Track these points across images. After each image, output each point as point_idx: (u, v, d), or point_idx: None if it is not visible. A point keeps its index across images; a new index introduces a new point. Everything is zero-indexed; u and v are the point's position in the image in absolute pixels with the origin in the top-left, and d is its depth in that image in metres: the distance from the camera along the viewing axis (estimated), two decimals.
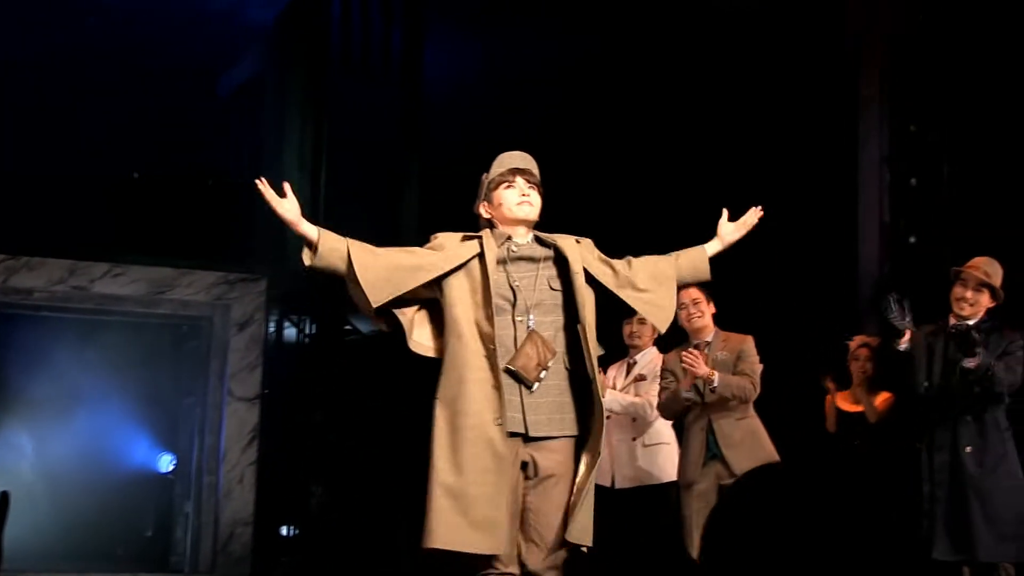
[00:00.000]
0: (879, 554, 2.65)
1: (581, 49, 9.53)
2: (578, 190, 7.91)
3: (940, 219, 8.02)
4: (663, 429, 6.34)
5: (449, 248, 3.94)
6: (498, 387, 3.78)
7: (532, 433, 3.88)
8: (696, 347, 5.89)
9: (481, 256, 3.91)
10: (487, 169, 4.17)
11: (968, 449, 5.66)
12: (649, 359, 6.43)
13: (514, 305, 3.90)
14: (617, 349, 6.33)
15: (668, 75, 9.32)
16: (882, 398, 6.77)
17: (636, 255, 4.40)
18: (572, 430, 3.92)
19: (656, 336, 6.23)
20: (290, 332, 9.69)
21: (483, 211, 4.10)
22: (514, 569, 3.81)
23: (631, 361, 6.55)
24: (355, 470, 9.13)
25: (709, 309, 5.98)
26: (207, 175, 9.55)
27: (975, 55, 7.92)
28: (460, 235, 4.03)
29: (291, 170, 9.22)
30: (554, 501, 3.80)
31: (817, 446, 6.75)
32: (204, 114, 9.85)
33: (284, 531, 9.40)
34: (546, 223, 4.13)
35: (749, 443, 5.78)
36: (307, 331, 9.65)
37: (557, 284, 3.95)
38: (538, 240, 4.04)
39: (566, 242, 4.03)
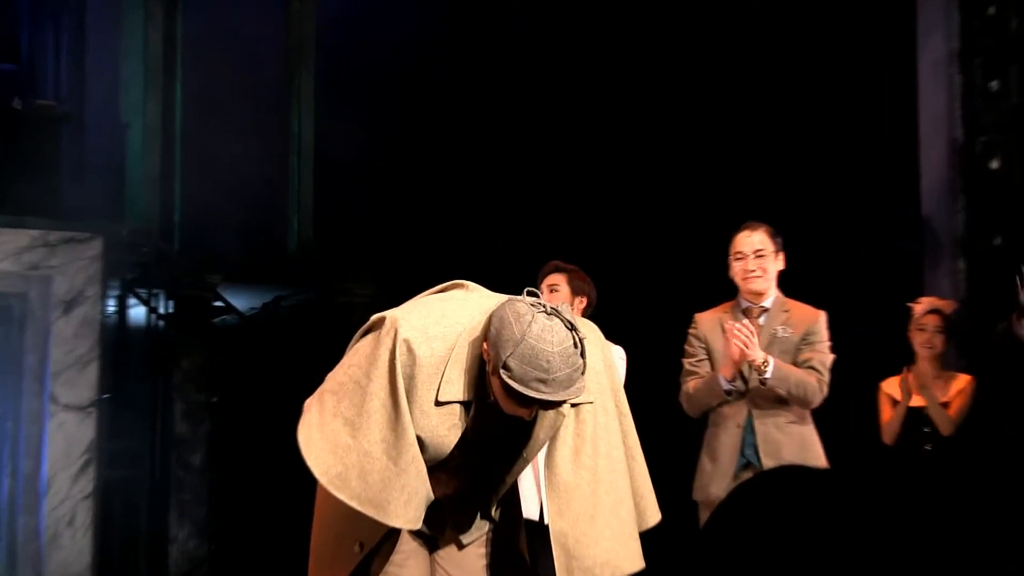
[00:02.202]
0: None
1: None
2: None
3: None
4: None
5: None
6: None
7: None
8: (745, 313, 5.30)
9: None
10: None
11: None
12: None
13: None
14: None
15: None
16: (957, 387, 6.04)
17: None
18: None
19: (584, 310, 5.41)
20: (137, 312, 8.63)
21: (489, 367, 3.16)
22: None
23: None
24: (237, 505, 8.30)
25: (776, 264, 5.34)
26: (9, 94, 8.12)
27: None
28: (432, 345, 3.21)
29: (132, 87, 8.47)
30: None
31: (871, 451, 6.16)
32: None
33: None
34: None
35: (797, 456, 5.19)
36: (161, 310, 8.57)
37: None
38: None
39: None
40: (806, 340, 5.30)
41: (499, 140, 8.78)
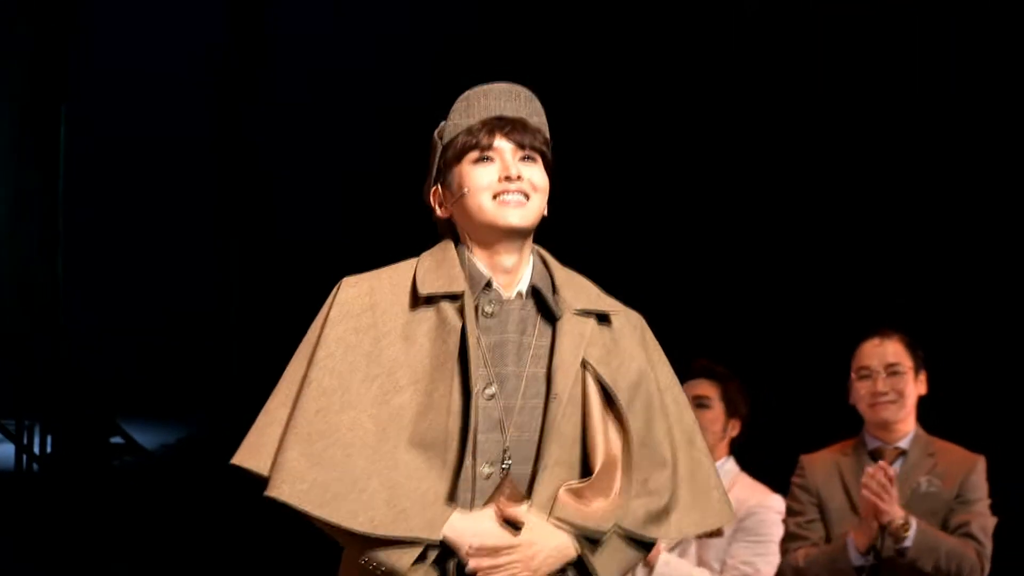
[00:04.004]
0: None
1: None
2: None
3: None
4: None
5: (388, 314, 2.72)
6: None
7: None
8: (873, 456, 4.42)
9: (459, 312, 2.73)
10: (442, 111, 2.93)
11: None
12: (726, 486, 4.33)
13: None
14: None
15: None
16: None
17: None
18: None
19: (736, 437, 4.69)
20: (4, 451, 7.98)
21: (436, 203, 2.76)
22: None
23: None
24: None
25: (915, 389, 4.44)
26: None
27: None
28: (390, 272, 2.76)
29: None
30: None
31: None
32: None
33: None
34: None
35: None
36: (39, 449, 7.98)
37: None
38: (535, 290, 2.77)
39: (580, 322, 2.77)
40: (961, 498, 4.46)
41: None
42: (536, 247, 2.74)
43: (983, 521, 4.42)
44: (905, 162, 7.90)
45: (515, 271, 2.69)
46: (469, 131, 2.72)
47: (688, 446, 2.75)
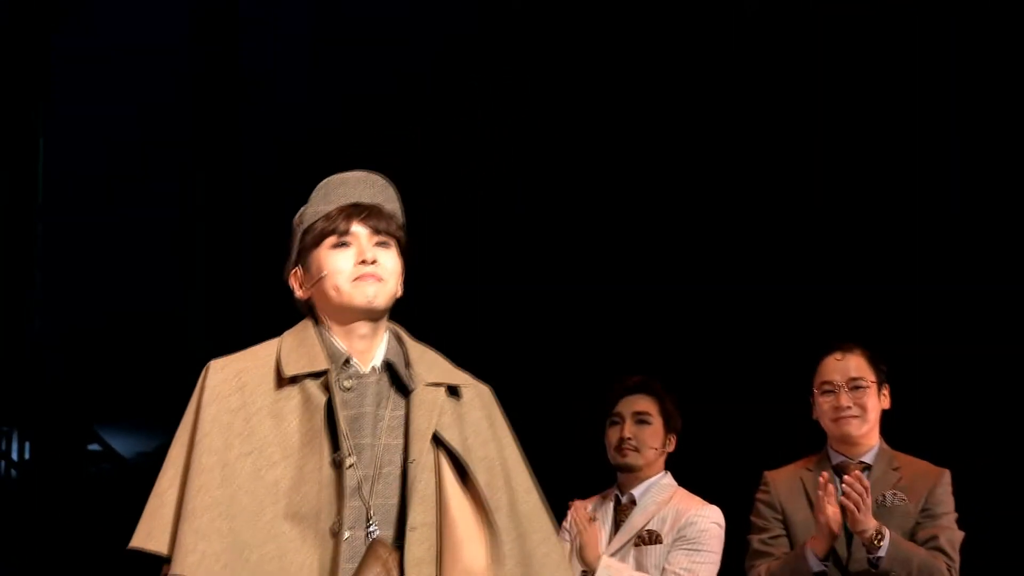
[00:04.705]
0: None
1: None
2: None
3: None
4: None
5: (255, 394, 2.83)
6: None
7: None
8: (838, 471, 4.55)
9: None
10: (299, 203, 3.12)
11: None
12: (664, 498, 4.78)
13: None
14: (593, 471, 5.03)
15: None
16: None
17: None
18: None
19: (669, 451, 4.76)
20: None
21: (296, 285, 2.94)
22: None
23: (622, 498, 4.83)
24: None
25: (878, 403, 4.57)
26: None
27: None
28: (254, 353, 2.90)
29: None
30: None
31: None
32: None
33: None
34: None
35: None
36: (16, 455, 7.83)
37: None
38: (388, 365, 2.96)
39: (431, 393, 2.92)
40: (927, 512, 4.57)
41: None
42: (392, 325, 2.91)
43: (950, 535, 4.51)
44: (904, 162, 7.88)
45: (370, 349, 2.83)
46: (327, 217, 2.87)
47: (531, 523, 2.90)
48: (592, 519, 4.71)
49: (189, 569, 2.62)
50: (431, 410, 2.84)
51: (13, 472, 7.72)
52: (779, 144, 8.11)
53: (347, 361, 2.82)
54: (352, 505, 2.73)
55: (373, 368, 2.83)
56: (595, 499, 4.91)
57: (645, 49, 8.34)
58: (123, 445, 7.88)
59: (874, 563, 4.45)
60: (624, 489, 4.83)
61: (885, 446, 4.68)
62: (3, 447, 7.72)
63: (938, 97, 7.83)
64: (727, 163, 8.15)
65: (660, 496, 4.84)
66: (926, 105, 7.84)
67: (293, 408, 2.77)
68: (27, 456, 7.75)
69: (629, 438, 4.55)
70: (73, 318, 7.91)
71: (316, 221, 2.88)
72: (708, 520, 4.73)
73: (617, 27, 8.44)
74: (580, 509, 4.73)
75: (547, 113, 8.61)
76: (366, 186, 2.96)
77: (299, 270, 2.92)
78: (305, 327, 2.87)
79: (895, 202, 7.80)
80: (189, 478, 2.70)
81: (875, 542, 4.45)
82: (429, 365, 2.89)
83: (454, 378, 2.89)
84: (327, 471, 2.72)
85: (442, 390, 2.85)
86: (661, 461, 4.82)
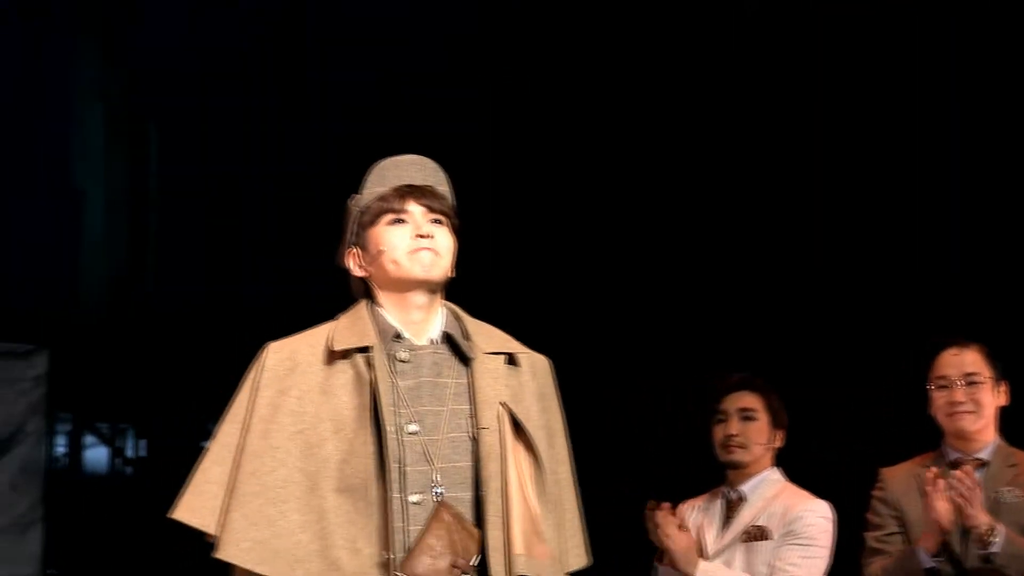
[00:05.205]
0: None
1: None
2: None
3: None
4: None
5: (307, 373, 3.01)
6: None
7: None
8: (953, 467, 4.58)
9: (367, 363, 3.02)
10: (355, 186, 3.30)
11: None
12: (772, 493, 4.79)
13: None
14: (699, 470, 5.09)
15: None
16: None
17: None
18: None
19: (776, 446, 4.79)
20: (96, 455, 8.02)
21: (353, 264, 3.14)
22: None
23: (731, 495, 4.82)
24: None
25: (994, 399, 4.62)
26: None
27: None
28: (309, 334, 3.07)
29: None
30: None
31: None
32: None
33: None
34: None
35: None
36: (130, 452, 8.03)
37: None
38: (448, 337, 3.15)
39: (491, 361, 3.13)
40: None
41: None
42: (447, 303, 3.10)
43: None
44: (904, 163, 8.05)
45: (426, 321, 3.02)
46: (383, 197, 3.11)
47: (562, 492, 3.10)
48: (680, 526, 4.79)
49: (239, 557, 2.82)
50: (495, 377, 3.04)
51: (128, 469, 7.82)
52: (779, 144, 8.26)
53: (398, 335, 3.00)
54: (417, 469, 2.91)
55: (430, 340, 3.00)
56: (704, 497, 5.00)
57: (645, 49, 8.57)
58: None
59: (988, 559, 4.53)
60: (733, 486, 4.94)
61: (1003, 443, 4.74)
62: (119, 443, 7.85)
63: (938, 97, 7.95)
64: (727, 163, 8.32)
65: (768, 492, 4.90)
66: (926, 105, 7.96)
67: (344, 383, 2.93)
68: (143, 453, 7.86)
69: (735, 435, 4.65)
70: (186, 320, 8.01)
71: (372, 202, 3.11)
72: (816, 515, 4.78)
73: (617, 27, 8.65)
74: (667, 516, 4.78)
75: (547, 113, 8.74)
76: (418, 168, 3.18)
77: (356, 250, 3.11)
78: (358, 308, 3.05)
79: (895, 203, 7.89)
80: (242, 461, 2.88)
81: (988, 538, 4.52)
82: (487, 336, 3.08)
83: (511, 347, 3.09)
84: (377, 441, 2.90)
85: (501, 359, 3.04)
86: (769, 457, 4.92)
